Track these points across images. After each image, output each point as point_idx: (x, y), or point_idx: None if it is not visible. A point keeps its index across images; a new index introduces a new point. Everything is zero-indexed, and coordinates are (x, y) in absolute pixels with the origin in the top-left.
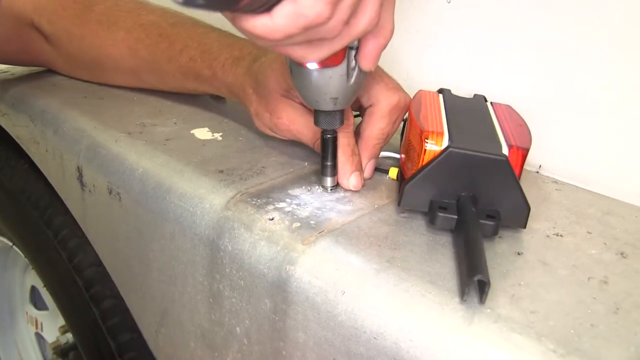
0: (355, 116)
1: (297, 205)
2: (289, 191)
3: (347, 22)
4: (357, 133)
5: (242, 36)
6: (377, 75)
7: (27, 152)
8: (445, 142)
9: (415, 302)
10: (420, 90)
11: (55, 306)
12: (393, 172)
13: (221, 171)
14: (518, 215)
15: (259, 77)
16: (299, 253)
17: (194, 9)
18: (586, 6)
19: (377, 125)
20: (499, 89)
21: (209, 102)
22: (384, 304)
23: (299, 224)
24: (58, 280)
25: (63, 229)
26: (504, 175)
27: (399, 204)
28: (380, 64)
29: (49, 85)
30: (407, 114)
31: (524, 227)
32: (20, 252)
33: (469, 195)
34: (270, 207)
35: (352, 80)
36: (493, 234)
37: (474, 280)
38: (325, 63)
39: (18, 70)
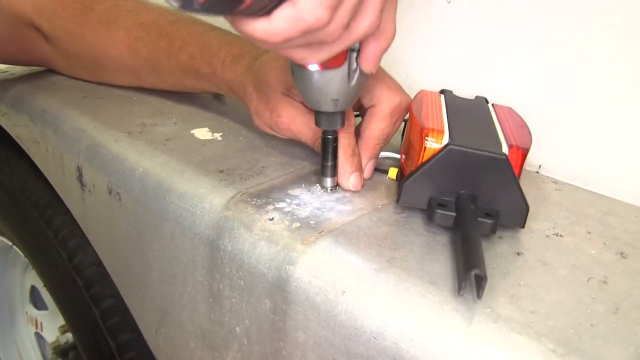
0: (356, 116)
1: (297, 205)
2: (289, 191)
3: (347, 26)
4: (357, 133)
5: None
6: (378, 75)
7: (27, 152)
8: (445, 140)
9: (415, 302)
10: (421, 91)
11: (55, 306)
12: (393, 172)
13: (221, 171)
14: (517, 214)
15: (260, 75)
16: (299, 253)
17: (192, 12)
18: (586, 6)
19: (377, 125)
20: (499, 89)
21: (208, 102)
22: (383, 303)
23: (298, 224)
24: (58, 280)
25: (63, 228)
26: (504, 174)
27: (397, 200)
28: (381, 64)
29: (49, 85)
30: (408, 114)
31: (523, 226)
32: (20, 252)
33: (468, 193)
34: (270, 207)
35: (353, 82)
36: (491, 232)
37: (470, 275)
38: (327, 65)
39: (18, 70)
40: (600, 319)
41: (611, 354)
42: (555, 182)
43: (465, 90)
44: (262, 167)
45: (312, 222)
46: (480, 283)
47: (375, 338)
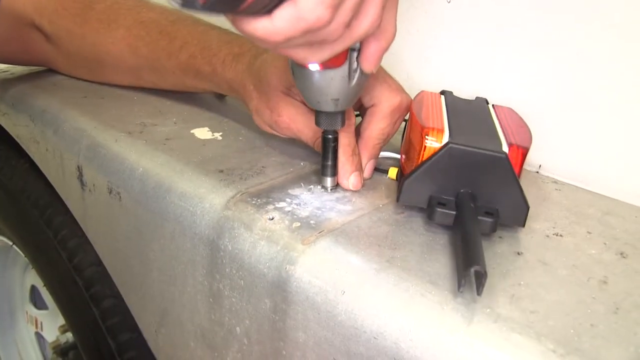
0: (356, 116)
1: (297, 205)
2: (289, 191)
3: (348, 25)
4: (357, 133)
5: None
6: (379, 75)
7: (27, 151)
8: (445, 139)
9: (415, 302)
10: (422, 91)
11: (55, 306)
12: (393, 172)
13: (221, 171)
14: (517, 213)
15: (261, 74)
16: (299, 253)
17: (194, 11)
18: (586, 6)
19: (377, 125)
20: (499, 89)
21: (209, 101)
22: (383, 303)
23: (299, 224)
24: (58, 279)
25: (63, 228)
26: (504, 173)
27: (397, 199)
28: (381, 64)
29: (49, 85)
30: (408, 114)
31: (523, 225)
32: (20, 252)
33: (468, 192)
34: (270, 206)
35: (354, 81)
36: (491, 231)
37: (470, 271)
38: (327, 64)
39: (18, 69)
40: (600, 319)
41: (611, 354)
42: (555, 182)
43: (465, 90)
44: (262, 166)
45: (312, 221)
46: (480, 280)
47: (375, 338)
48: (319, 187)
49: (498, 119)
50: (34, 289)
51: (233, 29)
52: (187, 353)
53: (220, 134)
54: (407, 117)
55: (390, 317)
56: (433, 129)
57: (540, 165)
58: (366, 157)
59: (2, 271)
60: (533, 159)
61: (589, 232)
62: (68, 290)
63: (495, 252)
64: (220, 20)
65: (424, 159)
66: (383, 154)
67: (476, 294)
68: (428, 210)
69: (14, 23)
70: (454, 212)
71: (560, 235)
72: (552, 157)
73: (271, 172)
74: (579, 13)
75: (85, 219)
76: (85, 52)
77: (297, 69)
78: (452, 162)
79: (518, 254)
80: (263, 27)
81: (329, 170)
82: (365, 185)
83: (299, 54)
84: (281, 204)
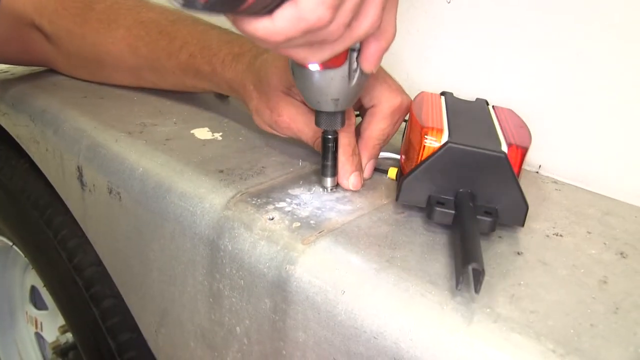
0: (356, 116)
1: (297, 205)
2: (289, 191)
3: (348, 25)
4: (357, 133)
5: None
6: (379, 76)
7: (27, 151)
8: (444, 139)
9: (415, 301)
10: (422, 92)
11: (55, 306)
12: (392, 172)
13: (221, 171)
14: (516, 213)
15: (261, 74)
16: (299, 253)
17: (194, 11)
18: (586, 6)
19: (377, 126)
20: (499, 89)
21: (209, 101)
22: (383, 303)
23: (299, 224)
24: (58, 280)
25: (63, 228)
26: (503, 173)
27: (397, 199)
28: (381, 64)
29: (49, 85)
30: (408, 114)
31: (522, 225)
32: (20, 252)
33: (467, 191)
34: (270, 206)
35: (354, 81)
36: (490, 230)
37: (468, 269)
38: (327, 64)
39: (18, 70)
40: (600, 319)
41: (611, 354)
42: (555, 182)
43: (465, 90)
44: (262, 166)
45: (312, 221)
46: (478, 277)
47: (375, 338)
48: (319, 187)
49: (498, 119)
50: (33, 289)
51: (233, 29)
52: (187, 353)
53: (220, 134)
54: (407, 118)
55: (390, 317)
56: (432, 128)
57: (540, 166)
58: (366, 157)
59: (2, 271)
60: (533, 159)
61: (589, 232)
62: (68, 291)
63: (495, 252)
64: (221, 20)
65: (423, 158)
66: (383, 154)
67: (474, 291)
68: (427, 210)
69: (14, 23)
70: (453, 212)
71: (560, 235)
72: (552, 157)
73: (271, 172)
74: (579, 13)
75: (85, 219)
76: (85, 52)
77: (297, 69)
78: (451, 162)
79: (518, 254)
80: (264, 27)
81: (329, 170)
82: (365, 185)
83: (299, 54)
84: (281, 204)
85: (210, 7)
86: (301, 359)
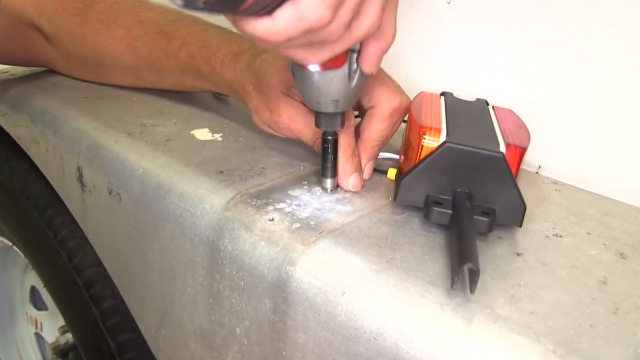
0: (355, 116)
1: (297, 205)
2: (289, 192)
3: (348, 26)
4: (357, 133)
5: None
6: (379, 77)
7: (27, 152)
8: (442, 138)
9: (415, 302)
10: (422, 92)
11: (55, 306)
12: (392, 173)
13: (221, 172)
14: (514, 213)
15: (260, 74)
16: (299, 254)
17: (195, 11)
18: (586, 6)
19: (377, 127)
20: (499, 89)
21: (209, 102)
22: (383, 304)
23: (299, 225)
24: (58, 280)
25: (63, 229)
26: (500, 173)
27: (394, 199)
28: (381, 64)
29: (49, 86)
30: (407, 115)
31: (520, 225)
32: (20, 252)
33: (465, 191)
34: (270, 207)
35: (354, 82)
36: (488, 230)
37: (463, 269)
38: (327, 65)
39: (18, 70)
40: (600, 320)
41: (611, 355)
42: (555, 182)
43: (465, 90)
44: (262, 167)
45: (312, 222)
46: (473, 277)
47: (375, 339)
48: (319, 188)
49: (497, 119)
50: (33, 290)
51: (232, 28)
52: (187, 353)
53: (220, 134)
54: (406, 118)
55: (390, 318)
56: (431, 128)
57: (540, 166)
58: (365, 158)
59: (2, 272)
60: (533, 159)
61: (589, 233)
62: (68, 291)
63: (495, 253)
64: (220, 20)
65: (421, 158)
66: (382, 155)
67: (469, 291)
68: (425, 209)
69: (13, 23)
70: (450, 212)
71: (560, 236)
72: (552, 158)
73: (271, 173)
74: (579, 13)
75: (85, 220)
76: (85, 52)
77: (297, 70)
78: (449, 161)
79: (518, 254)
80: (264, 27)
81: (328, 171)
82: (365, 186)
83: (299, 55)
84: (281, 205)
85: (211, 7)
86: None
